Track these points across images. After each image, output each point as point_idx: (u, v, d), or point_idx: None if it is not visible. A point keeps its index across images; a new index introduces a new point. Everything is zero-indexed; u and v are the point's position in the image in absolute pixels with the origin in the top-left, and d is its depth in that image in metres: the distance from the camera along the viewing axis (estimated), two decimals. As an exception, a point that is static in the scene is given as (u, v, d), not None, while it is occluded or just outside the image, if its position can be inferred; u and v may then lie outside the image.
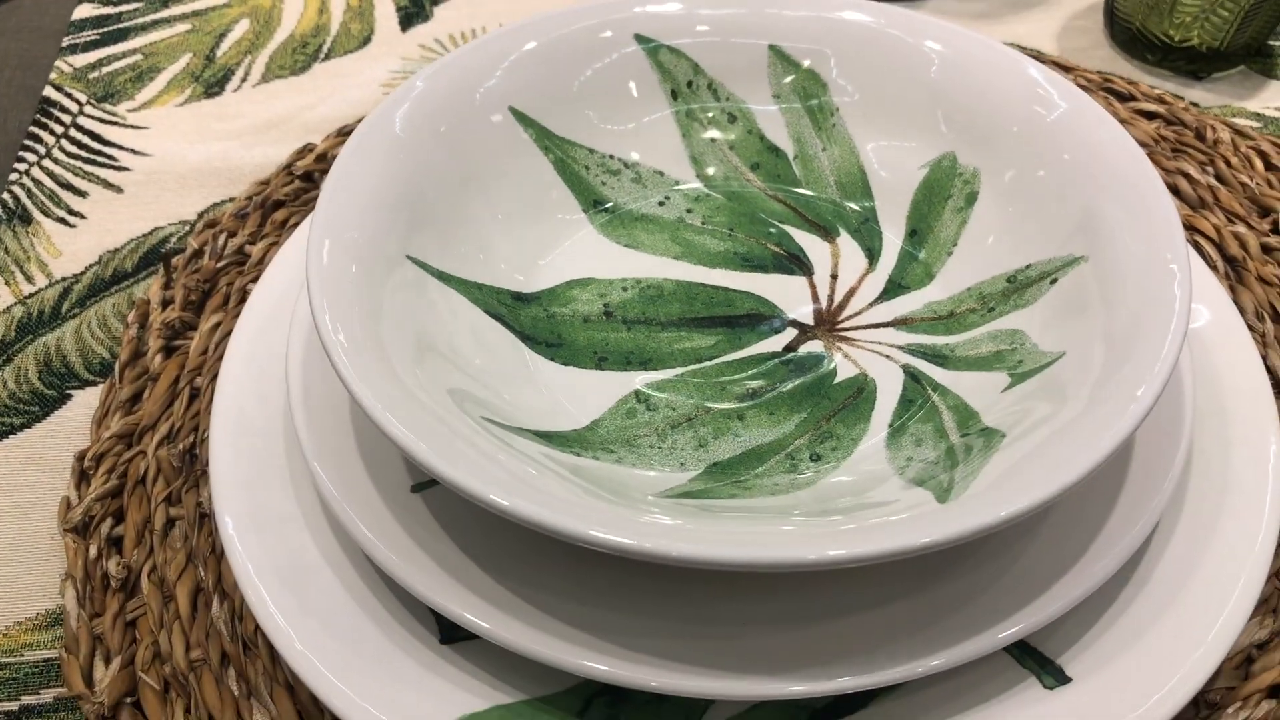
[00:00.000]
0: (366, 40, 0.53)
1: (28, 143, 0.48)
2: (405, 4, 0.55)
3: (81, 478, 0.35)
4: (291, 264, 0.38)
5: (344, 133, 0.46)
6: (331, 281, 0.29)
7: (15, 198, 0.46)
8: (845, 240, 0.37)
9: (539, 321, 0.35)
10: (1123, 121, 0.45)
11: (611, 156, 0.39)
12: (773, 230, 0.38)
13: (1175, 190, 0.42)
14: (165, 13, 0.55)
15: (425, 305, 0.32)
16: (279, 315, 0.36)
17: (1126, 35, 0.50)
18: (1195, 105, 0.47)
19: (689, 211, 0.38)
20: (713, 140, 0.39)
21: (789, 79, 0.39)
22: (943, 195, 0.37)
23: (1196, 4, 0.47)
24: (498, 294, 0.35)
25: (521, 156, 0.37)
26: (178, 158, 0.47)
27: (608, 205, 0.38)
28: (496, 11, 0.54)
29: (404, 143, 0.34)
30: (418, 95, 0.35)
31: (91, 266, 0.43)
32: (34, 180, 0.47)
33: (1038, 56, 0.49)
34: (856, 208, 0.38)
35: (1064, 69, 0.48)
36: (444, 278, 0.34)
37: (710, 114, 0.39)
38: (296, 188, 0.44)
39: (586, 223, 0.38)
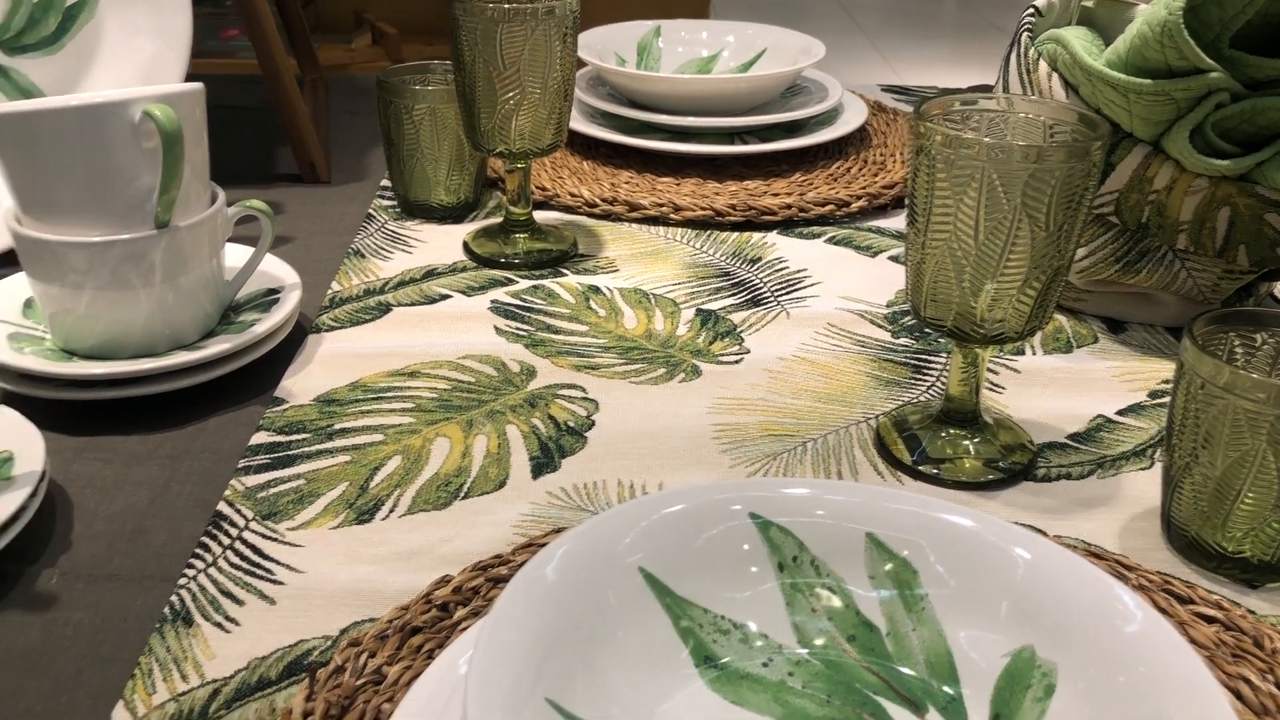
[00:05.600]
0: (502, 484, 0.60)
1: (198, 551, 0.55)
2: (537, 454, 0.63)
3: None
4: (424, 695, 0.42)
5: (478, 567, 0.52)
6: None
7: (181, 600, 0.51)
8: (934, 717, 0.41)
9: (654, 769, 0.38)
10: (1183, 624, 0.49)
11: (723, 617, 0.44)
12: (867, 701, 0.42)
13: (1238, 694, 0.46)
14: (329, 444, 0.63)
15: (556, 744, 0.36)
16: (415, 739, 0.40)
17: (1183, 541, 0.56)
18: (1252, 612, 0.51)
19: (790, 675, 0.43)
20: (814, 611, 0.44)
21: (887, 566, 0.44)
22: (1023, 684, 0.41)
23: (1248, 520, 0.53)
24: (619, 739, 0.39)
25: (647, 613, 0.42)
26: (328, 577, 0.53)
27: (718, 662, 0.43)
28: (615, 468, 0.62)
29: (549, 595, 0.40)
30: (564, 553, 0.41)
31: (240, 671, 0.48)
32: (199, 586, 0.52)
33: (1100, 555, 0.54)
34: (945, 689, 0.42)
35: (1125, 568, 0.53)
36: (575, 721, 0.38)
37: (813, 588, 0.44)
38: (433, 616, 0.49)
39: (698, 677, 0.42)
